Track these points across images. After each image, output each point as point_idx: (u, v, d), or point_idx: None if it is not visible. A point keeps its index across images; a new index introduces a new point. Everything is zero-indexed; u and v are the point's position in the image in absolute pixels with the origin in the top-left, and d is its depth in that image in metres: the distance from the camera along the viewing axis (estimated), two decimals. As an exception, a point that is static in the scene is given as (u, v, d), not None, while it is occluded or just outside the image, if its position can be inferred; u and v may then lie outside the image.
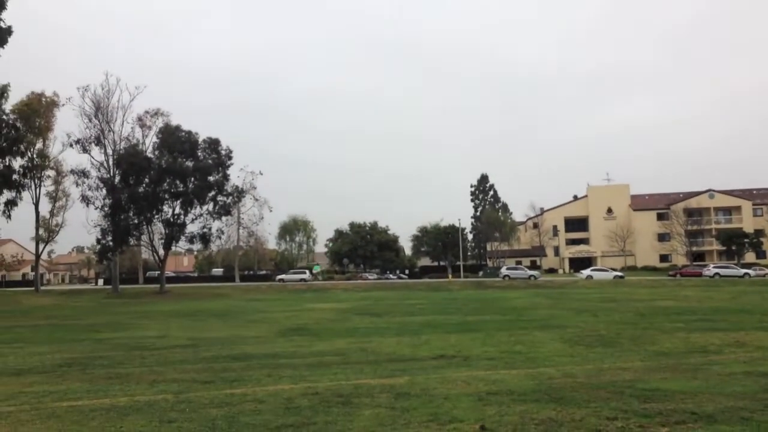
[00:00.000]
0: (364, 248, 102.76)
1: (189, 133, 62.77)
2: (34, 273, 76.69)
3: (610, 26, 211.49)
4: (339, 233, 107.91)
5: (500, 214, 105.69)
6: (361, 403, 9.30)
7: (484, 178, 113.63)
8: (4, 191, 64.19)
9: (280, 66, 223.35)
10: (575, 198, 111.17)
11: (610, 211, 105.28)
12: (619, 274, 70.50)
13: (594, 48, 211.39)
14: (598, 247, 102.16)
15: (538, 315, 27.81)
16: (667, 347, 15.68)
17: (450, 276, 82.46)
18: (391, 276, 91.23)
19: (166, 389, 10.91)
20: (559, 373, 11.81)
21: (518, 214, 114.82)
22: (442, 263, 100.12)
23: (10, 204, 65.02)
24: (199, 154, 62.36)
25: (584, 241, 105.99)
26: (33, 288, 68.02)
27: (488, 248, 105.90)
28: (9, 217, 65.68)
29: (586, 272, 70.65)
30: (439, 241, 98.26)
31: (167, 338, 20.85)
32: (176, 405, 9.45)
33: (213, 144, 63.00)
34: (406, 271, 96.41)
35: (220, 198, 63.37)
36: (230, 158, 63.43)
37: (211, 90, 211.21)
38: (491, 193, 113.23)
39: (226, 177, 63.62)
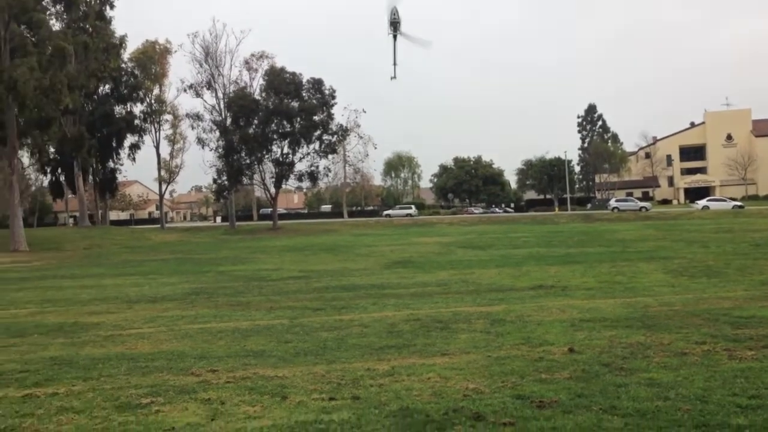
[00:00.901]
0: (469, 183, 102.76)
1: (293, 74, 64.19)
2: (159, 211, 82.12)
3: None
4: (444, 168, 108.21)
5: (609, 144, 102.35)
6: (458, 328, 9.98)
7: (591, 108, 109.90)
8: (128, 135, 68.62)
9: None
10: (692, 125, 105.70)
11: (729, 137, 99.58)
12: (739, 203, 67.23)
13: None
14: (716, 176, 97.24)
15: (644, 247, 27.41)
16: (775, 277, 15.39)
17: (557, 209, 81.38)
18: (497, 210, 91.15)
19: (282, 315, 12.01)
20: (656, 302, 12.01)
21: (629, 144, 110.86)
22: (548, 196, 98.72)
23: (134, 147, 69.65)
24: (304, 94, 63.76)
25: (701, 170, 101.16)
26: (159, 225, 73.03)
27: (597, 180, 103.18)
28: (134, 159, 70.52)
29: (702, 202, 67.84)
30: (544, 174, 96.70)
31: (281, 271, 22.28)
32: (291, 328, 10.48)
33: (317, 84, 64.17)
34: (512, 205, 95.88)
35: (325, 137, 64.87)
36: (334, 98, 64.52)
37: (314, 28, 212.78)
38: (600, 123, 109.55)
39: (330, 116, 64.90)
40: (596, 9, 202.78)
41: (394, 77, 22.81)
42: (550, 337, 8.97)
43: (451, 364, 7.61)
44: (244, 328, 10.73)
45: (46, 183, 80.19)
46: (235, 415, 5.96)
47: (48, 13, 47.88)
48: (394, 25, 21.27)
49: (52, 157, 63.10)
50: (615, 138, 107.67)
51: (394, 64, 22.29)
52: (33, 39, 42.43)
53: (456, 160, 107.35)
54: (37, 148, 47.60)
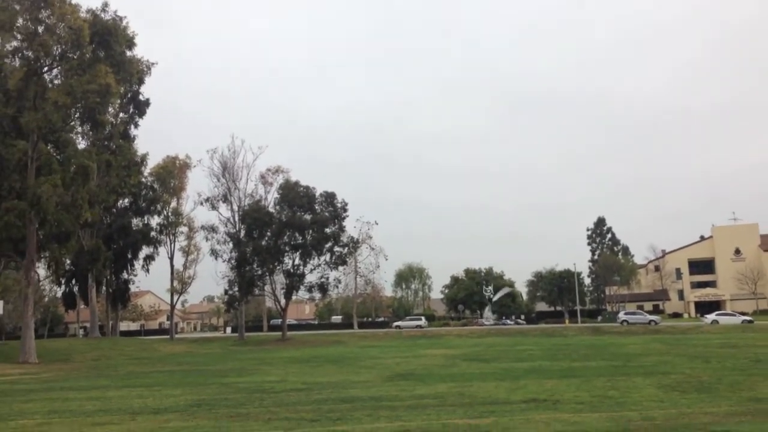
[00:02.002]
0: (480, 294, 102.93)
1: (307, 187, 66.34)
2: (169, 322, 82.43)
3: (715, 65, 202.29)
4: (455, 279, 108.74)
5: (620, 256, 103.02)
6: (446, 440, 10.44)
7: (601, 221, 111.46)
8: (144, 247, 70.14)
9: (393, 114, 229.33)
10: (702, 238, 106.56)
11: (738, 252, 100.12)
12: (748, 318, 66.88)
13: (703, 86, 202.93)
14: (726, 290, 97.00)
15: (646, 361, 27.58)
16: (764, 393, 15.68)
17: (567, 321, 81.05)
18: (507, 321, 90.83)
19: (278, 426, 12.48)
20: (639, 416, 12.41)
21: (637, 257, 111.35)
22: (559, 308, 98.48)
23: (149, 258, 70.96)
24: (317, 207, 65.64)
25: (710, 284, 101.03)
26: (168, 336, 73.21)
27: (607, 292, 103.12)
28: (147, 270, 71.66)
29: (711, 317, 67.54)
30: (554, 286, 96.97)
31: (285, 382, 22.63)
32: (285, 439, 10.95)
33: (329, 197, 66.18)
34: (522, 317, 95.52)
35: (336, 249, 66.13)
36: (345, 210, 66.34)
37: (329, 141, 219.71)
38: (609, 236, 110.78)
39: (341, 228, 66.45)
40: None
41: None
42: (530, 449, 9.43)
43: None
44: (241, 439, 11.21)
45: (59, 294, 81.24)
46: None
47: (75, 131, 50.36)
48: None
49: (67, 268, 64.37)
50: (626, 250, 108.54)
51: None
52: (58, 157, 44.51)
53: (467, 271, 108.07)
54: (54, 260, 48.79)
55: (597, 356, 31.76)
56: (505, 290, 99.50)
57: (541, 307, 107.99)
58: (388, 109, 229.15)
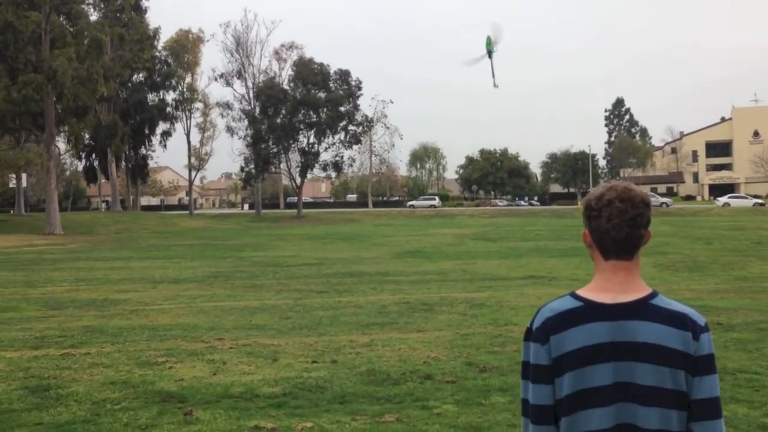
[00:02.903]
0: (494, 175, 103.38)
1: (321, 65, 65.59)
2: (188, 198, 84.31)
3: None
4: (470, 160, 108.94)
5: (637, 138, 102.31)
6: (440, 310, 11.27)
7: (619, 102, 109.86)
8: (160, 123, 70.80)
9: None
10: (722, 120, 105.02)
11: (756, 134, 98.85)
12: (760, 201, 67.23)
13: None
14: (741, 173, 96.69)
15: (651, 242, 28.20)
16: (753, 272, 16.37)
17: (579, 203, 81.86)
18: (521, 203, 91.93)
19: (288, 296, 13.39)
20: (628, 292, 13.11)
21: (655, 139, 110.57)
22: (572, 190, 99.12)
23: (165, 134, 71.94)
24: (331, 85, 65.16)
25: (727, 167, 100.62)
26: (187, 212, 75.15)
27: (622, 175, 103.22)
28: (165, 146, 72.86)
29: (722, 199, 67.93)
30: (568, 167, 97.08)
31: (298, 257, 23.71)
32: (294, 307, 11.85)
33: (344, 75, 65.54)
34: (535, 198, 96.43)
35: (350, 127, 66.22)
36: (360, 89, 65.84)
37: (343, 19, 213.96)
38: (627, 117, 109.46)
39: (356, 107, 66.23)
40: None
41: (496, 86, 27.64)
42: (517, 319, 10.18)
43: (423, 339, 8.89)
44: (253, 306, 12.12)
45: (80, 168, 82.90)
46: (233, 372, 7.32)
47: (86, 2, 49.69)
48: (489, 52, 25.39)
49: (87, 143, 65.39)
50: (644, 132, 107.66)
51: (493, 76, 26.65)
52: (72, 30, 44.27)
53: (482, 152, 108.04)
54: (73, 135, 49.60)
55: (602, 237, 32.41)
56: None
57: (556, 189, 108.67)
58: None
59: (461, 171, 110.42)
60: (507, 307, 11.33)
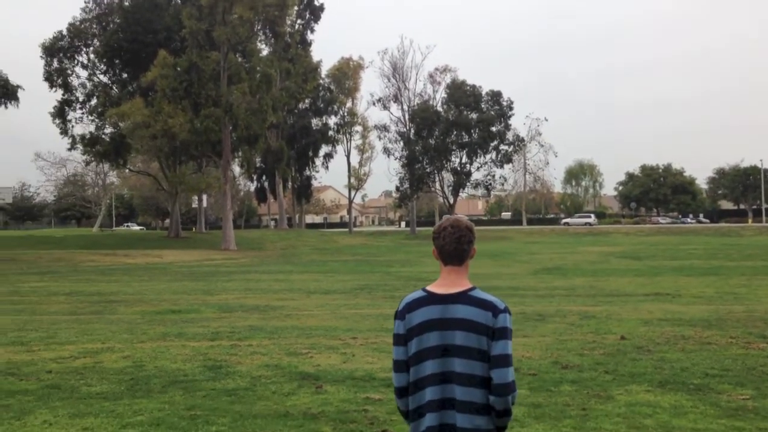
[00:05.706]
0: (656, 191, 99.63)
1: (473, 87, 67.31)
2: (348, 216, 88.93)
3: None
4: (629, 176, 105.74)
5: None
6: (552, 320, 12.45)
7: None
8: (323, 145, 75.81)
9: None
10: None
11: None
12: None
13: None
14: None
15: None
16: None
17: (750, 220, 77.02)
18: (687, 220, 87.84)
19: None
20: (744, 308, 13.53)
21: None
22: (743, 206, 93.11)
23: (328, 156, 77.01)
24: (483, 106, 66.66)
25: None
26: (347, 229, 79.45)
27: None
28: (327, 167, 77.93)
29: None
30: (738, 183, 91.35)
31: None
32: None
33: (495, 96, 66.80)
34: (700, 215, 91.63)
35: (502, 147, 67.27)
36: (511, 109, 66.77)
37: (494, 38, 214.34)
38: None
39: (507, 127, 67.19)
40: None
41: None
42: (618, 329, 11.17)
43: (524, 343, 10.20)
44: (388, 314, 13.91)
45: (252, 189, 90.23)
46: (359, 362, 9.11)
47: (258, 39, 54.93)
48: None
49: (258, 166, 71.44)
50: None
51: None
52: (246, 66, 49.25)
53: (643, 167, 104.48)
54: (246, 160, 54.81)
55: (760, 257, 31.25)
56: None
57: (726, 205, 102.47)
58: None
59: (620, 188, 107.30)
60: (614, 320, 12.28)
